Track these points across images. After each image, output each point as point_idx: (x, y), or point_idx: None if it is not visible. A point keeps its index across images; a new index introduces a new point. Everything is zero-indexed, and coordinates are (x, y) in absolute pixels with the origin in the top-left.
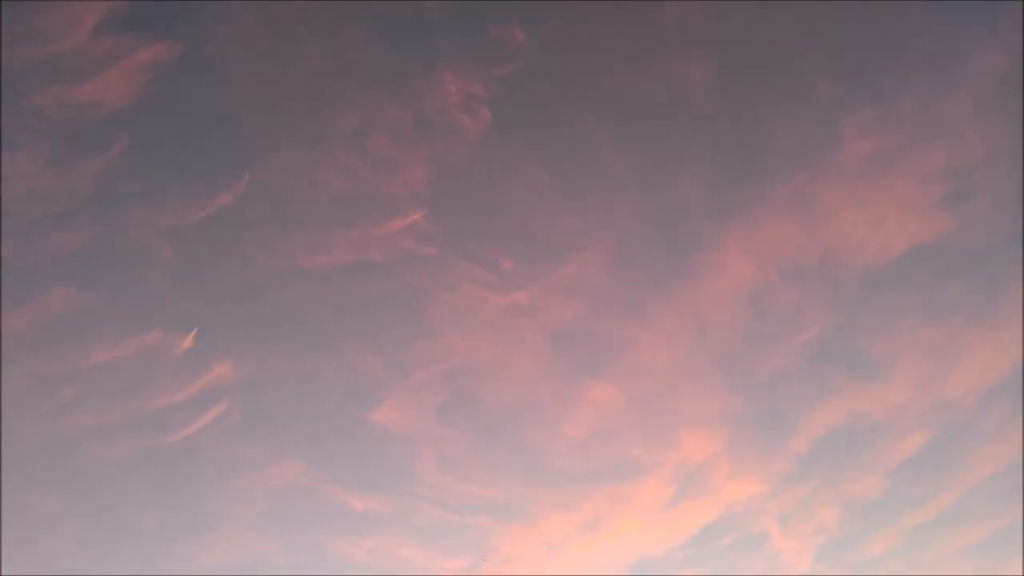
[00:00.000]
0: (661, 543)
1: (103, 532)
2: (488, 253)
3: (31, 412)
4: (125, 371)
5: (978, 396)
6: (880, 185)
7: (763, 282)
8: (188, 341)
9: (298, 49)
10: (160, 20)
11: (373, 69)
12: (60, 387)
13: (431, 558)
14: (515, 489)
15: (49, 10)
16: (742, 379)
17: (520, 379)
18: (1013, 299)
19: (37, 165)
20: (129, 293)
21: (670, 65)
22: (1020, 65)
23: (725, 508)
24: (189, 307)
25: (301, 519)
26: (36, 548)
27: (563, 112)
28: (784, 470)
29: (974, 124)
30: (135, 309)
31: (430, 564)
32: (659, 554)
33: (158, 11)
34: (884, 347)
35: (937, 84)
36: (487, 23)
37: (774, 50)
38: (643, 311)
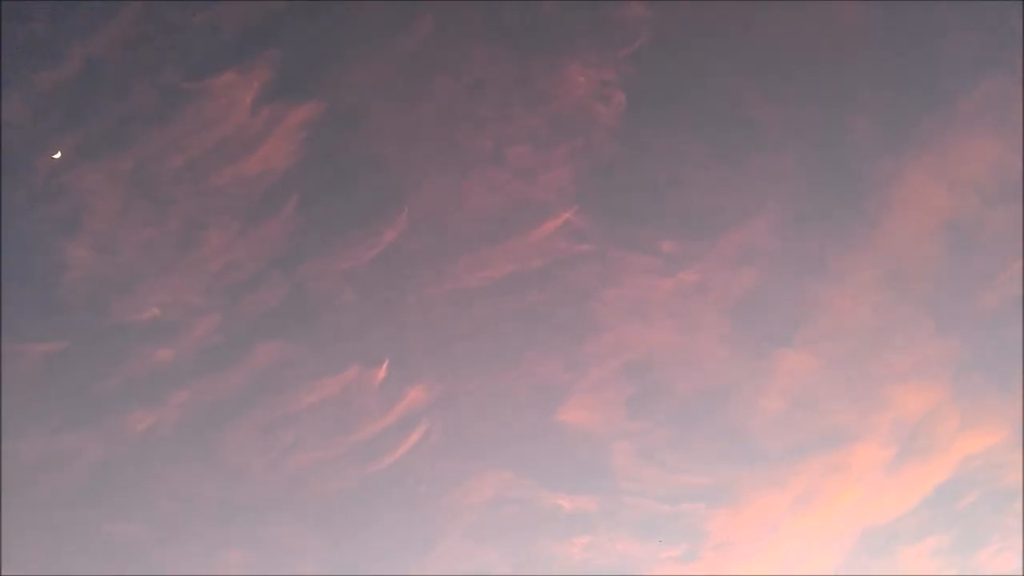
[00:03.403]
0: (889, 511)
1: (341, 557)
2: (646, 237)
3: (263, 457)
4: (332, 408)
5: None
6: None
7: (962, 209)
8: (382, 372)
9: (427, 81)
10: (302, 82)
11: (501, 82)
12: (282, 431)
13: (647, 549)
14: (720, 472)
15: (213, 95)
16: (954, 320)
17: (705, 360)
18: None
19: (228, 238)
20: (323, 337)
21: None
22: None
23: (960, 464)
24: (377, 340)
25: (515, 526)
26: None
27: (702, 77)
28: None
29: None
30: (331, 350)
31: (646, 555)
32: (888, 523)
33: (299, 74)
34: None
35: None
36: (604, 5)
37: None
38: (826, 268)
